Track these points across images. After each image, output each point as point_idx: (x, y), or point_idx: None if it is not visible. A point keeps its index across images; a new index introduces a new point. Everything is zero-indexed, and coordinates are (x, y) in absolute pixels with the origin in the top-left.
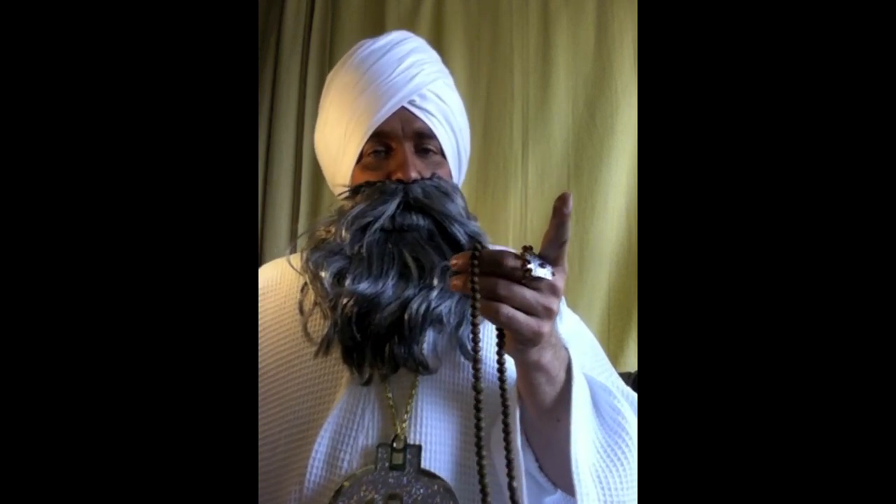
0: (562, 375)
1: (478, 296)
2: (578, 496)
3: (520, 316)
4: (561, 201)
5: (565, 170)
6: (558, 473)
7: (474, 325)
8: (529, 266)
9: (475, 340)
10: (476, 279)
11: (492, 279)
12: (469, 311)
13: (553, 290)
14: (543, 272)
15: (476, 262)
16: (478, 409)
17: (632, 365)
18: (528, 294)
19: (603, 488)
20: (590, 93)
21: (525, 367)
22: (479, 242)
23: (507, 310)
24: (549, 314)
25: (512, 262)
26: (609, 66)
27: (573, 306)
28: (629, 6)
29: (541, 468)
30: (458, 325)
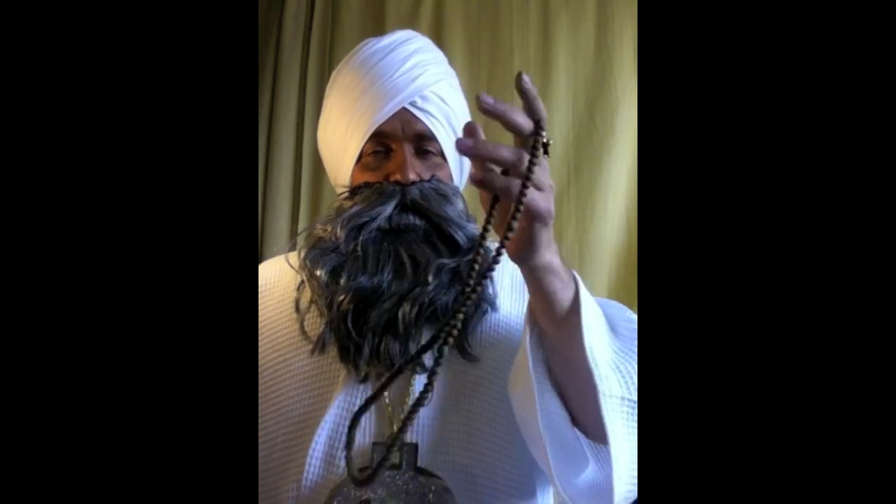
0: (569, 277)
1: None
2: (596, 377)
3: (535, 193)
4: (518, 79)
5: (565, 170)
6: (581, 403)
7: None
8: (546, 140)
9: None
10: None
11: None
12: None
13: (544, 170)
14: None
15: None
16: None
17: None
18: (536, 171)
19: (623, 375)
20: (590, 93)
21: (540, 272)
22: (540, 127)
23: (517, 184)
24: (552, 189)
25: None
26: (609, 66)
27: None
28: (629, 6)
29: (572, 420)
30: None
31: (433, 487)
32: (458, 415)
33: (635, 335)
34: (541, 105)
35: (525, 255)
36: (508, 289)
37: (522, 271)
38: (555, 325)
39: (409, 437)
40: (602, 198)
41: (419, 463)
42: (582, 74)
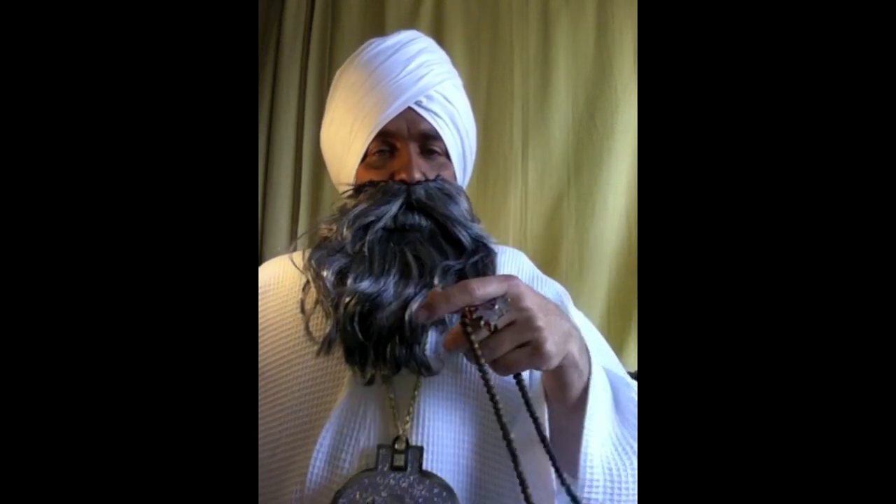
0: (586, 364)
1: (484, 366)
2: (582, 483)
3: (513, 357)
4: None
5: (565, 170)
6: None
7: (488, 386)
8: (489, 322)
9: (489, 389)
10: (476, 347)
11: (478, 346)
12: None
13: (521, 308)
14: (497, 313)
15: (470, 330)
16: (500, 420)
17: (632, 365)
18: (506, 336)
19: (612, 481)
20: (590, 93)
21: (562, 367)
22: (470, 310)
23: (502, 363)
24: (539, 331)
25: (479, 327)
26: (609, 66)
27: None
28: (629, 6)
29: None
30: None
31: (438, 490)
32: (462, 417)
33: (636, 416)
34: (473, 288)
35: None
36: None
37: None
38: (565, 409)
39: (415, 439)
40: (602, 198)
41: (424, 466)
42: (582, 74)
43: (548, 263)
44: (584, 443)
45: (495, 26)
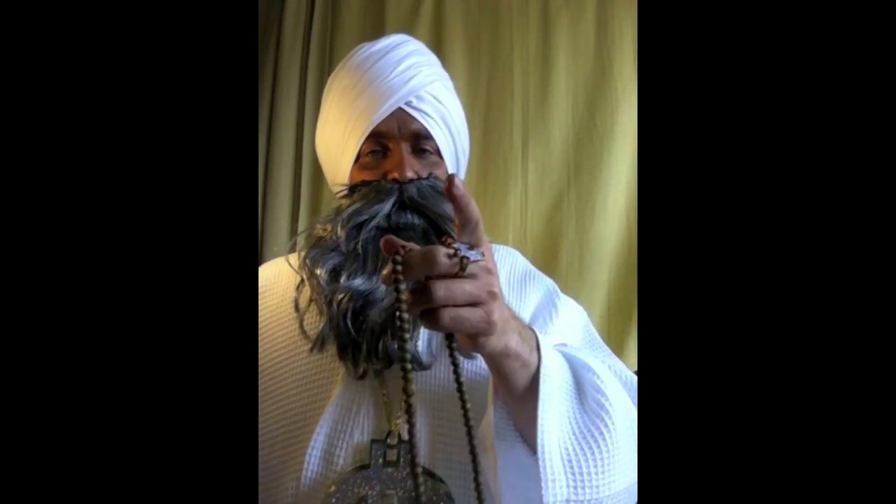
0: (534, 357)
1: (403, 306)
2: (544, 483)
3: (464, 312)
4: (448, 182)
5: (565, 170)
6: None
7: (402, 340)
8: (465, 255)
9: (402, 349)
10: (401, 288)
11: (428, 283)
12: None
13: (488, 270)
14: (475, 255)
15: (400, 268)
16: (466, 413)
17: (632, 365)
18: (467, 286)
19: (574, 473)
20: (590, 93)
21: (494, 358)
22: (403, 247)
23: (449, 312)
24: (494, 297)
25: (444, 259)
26: (609, 66)
27: None
28: (629, 6)
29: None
30: None
31: (430, 485)
32: (456, 413)
33: (601, 408)
34: (474, 209)
35: (475, 351)
36: (505, 287)
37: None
38: (514, 402)
39: (407, 434)
40: (602, 198)
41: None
42: (582, 74)
43: (548, 263)
44: (539, 439)
45: (495, 26)
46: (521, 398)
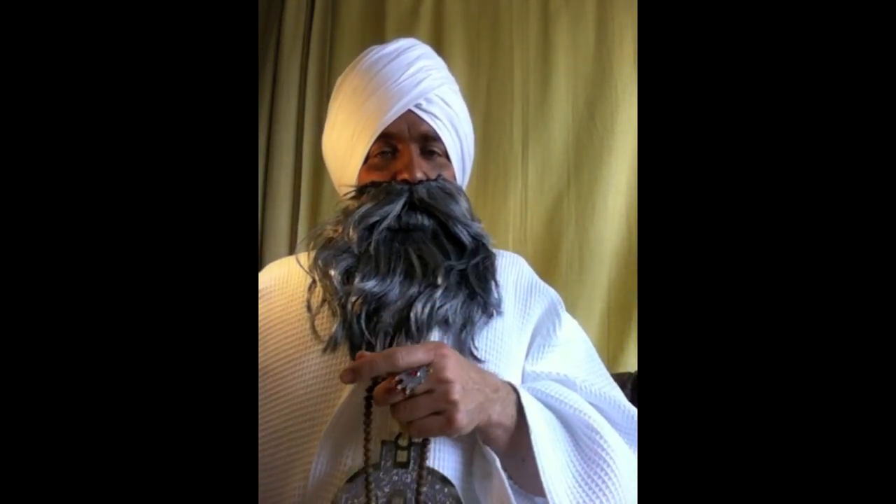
0: (514, 419)
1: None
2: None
3: (428, 423)
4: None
5: (565, 170)
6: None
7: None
8: (405, 387)
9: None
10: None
11: (392, 407)
12: (474, 312)
13: (441, 380)
14: (415, 380)
15: (371, 401)
16: None
17: (632, 365)
18: (423, 402)
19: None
20: (590, 93)
21: (478, 431)
22: (391, 375)
23: (415, 426)
24: (454, 404)
25: (390, 394)
26: (609, 66)
27: (573, 306)
28: (629, 6)
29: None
30: (463, 325)
31: (440, 487)
32: None
33: (600, 449)
34: (394, 362)
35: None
36: (512, 295)
37: None
38: (501, 458)
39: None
40: (602, 198)
41: (428, 462)
42: (582, 74)
43: (547, 263)
44: (546, 485)
45: (495, 27)
46: (506, 457)
